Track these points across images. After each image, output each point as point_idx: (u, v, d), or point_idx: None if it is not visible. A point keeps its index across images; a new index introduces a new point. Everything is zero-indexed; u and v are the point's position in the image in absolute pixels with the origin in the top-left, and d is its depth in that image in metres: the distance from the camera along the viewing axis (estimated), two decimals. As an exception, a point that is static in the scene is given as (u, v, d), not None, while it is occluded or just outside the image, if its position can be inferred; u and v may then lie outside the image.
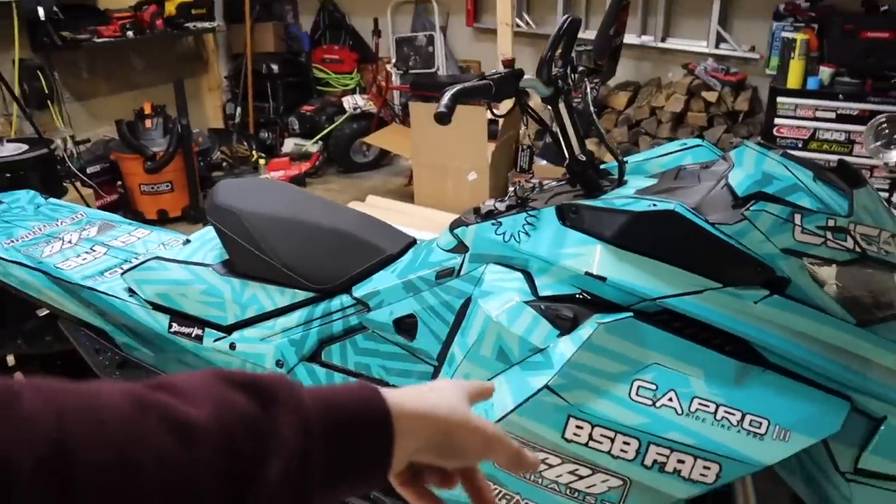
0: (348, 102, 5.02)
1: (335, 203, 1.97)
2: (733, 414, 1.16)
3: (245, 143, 5.19)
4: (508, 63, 1.32)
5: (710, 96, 3.83)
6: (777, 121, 3.58)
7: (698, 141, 1.55)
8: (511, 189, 1.48)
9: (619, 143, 4.03)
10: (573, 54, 1.58)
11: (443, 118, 1.19)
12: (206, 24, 4.83)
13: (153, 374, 2.00)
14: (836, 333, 1.19)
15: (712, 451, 1.14)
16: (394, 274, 1.65)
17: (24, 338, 2.38)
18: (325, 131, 5.13)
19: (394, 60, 4.92)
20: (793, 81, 3.55)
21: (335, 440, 0.48)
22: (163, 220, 4.18)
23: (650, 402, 1.17)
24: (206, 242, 1.98)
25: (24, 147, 3.62)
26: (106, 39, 4.26)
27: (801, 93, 3.54)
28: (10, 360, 2.58)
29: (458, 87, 1.22)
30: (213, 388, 0.45)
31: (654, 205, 1.23)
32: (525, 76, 1.33)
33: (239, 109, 5.38)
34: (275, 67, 5.26)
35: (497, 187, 3.75)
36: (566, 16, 1.44)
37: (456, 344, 1.41)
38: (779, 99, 3.55)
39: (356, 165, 5.22)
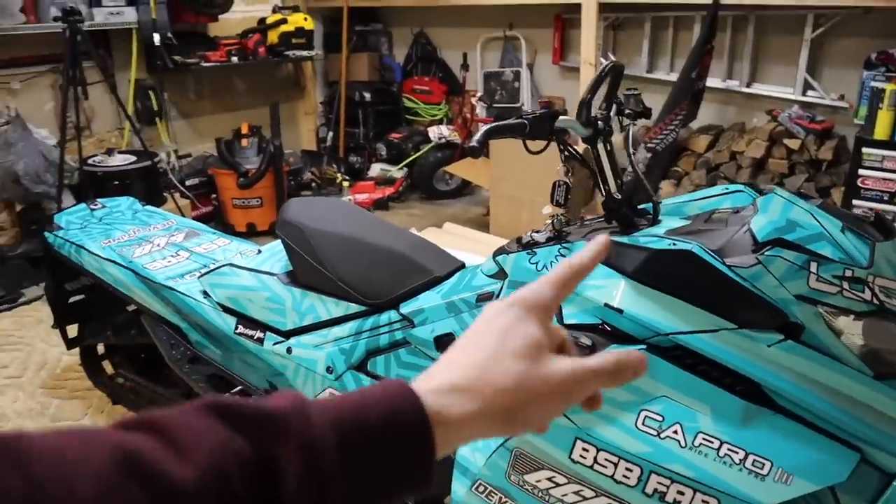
0: (434, 132, 5.20)
1: (393, 225, 2.09)
2: (736, 452, 1.19)
3: (334, 166, 5.44)
4: (545, 104, 1.41)
5: (793, 143, 3.77)
6: (861, 172, 3.48)
7: (740, 186, 1.59)
8: (548, 222, 1.56)
9: (696, 185, 4.01)
10: (621, 97, 1.65)
11: (474, 151, 1.29)
12: (305, 53, 5.12)
13: (220, 371, 2.17)
14: (850, 384, 1.20)
15: (712, 486, 1.18)
16: (438, 294, 1.75)
17: (113, 330, 2.62)
18: (411, 158, 5.32)
19: (480, 94, 5.07)
20: (880, 132, 3.45)
21: (354, 464, 0.44)
22: (251, 233, 4.44)
23: (655, 433, 1.22)
24: (275, 254, 2.15)
25: (132, 158, 3.95)
26: (212, 64, 4.61)
27: (889, 144, 3.44)
28: (101, 349, 2.84)
29: (493, 124, 1.32)
30: (209, 430, 0.42)
31: (674, 244, 1.29)
32: (561, 116, 1.41)
33: (331, 134, 5.65)
34: (367, 95, 5.51)
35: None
36: (609, 61, 1.52)
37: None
38: (864, 150, 3.46)
39: (438, 193, 5.37)
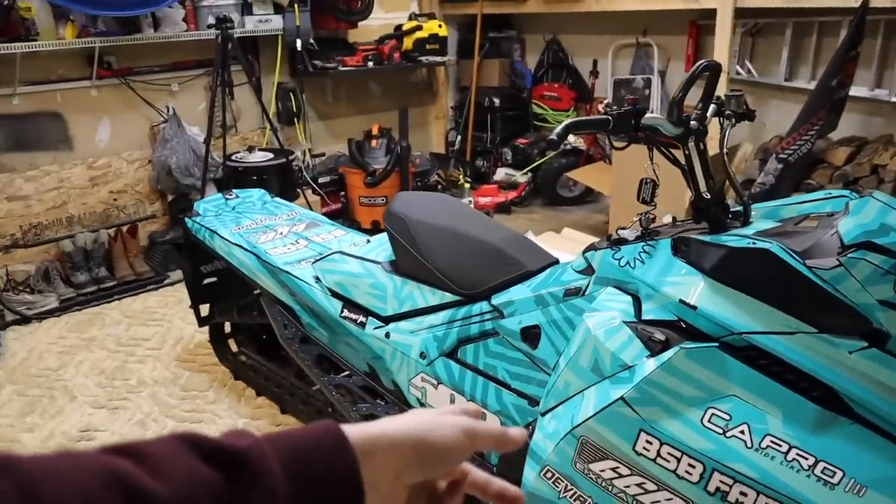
0: (558, 138, 5.20)
1: (492, 220, 2.16)
2: (806, 458, 1.15)
3: (461, 169, 5.57)
4: (632, 101, 1.42)
5: (945, 158, 3.47)
6: None
7: (844, 192, 1.52)
8: (635, 219, 1.57)
9: (834, 200, 3.77)
10: (723, 97, 1.63)
11: (552, 144, 1.33)
12: (438, 59, 5.28)
13: (326, 353, 2.31)
14: (939, 397, 1.14)
15: (776, 490, 1.15)
16: (528, 288, 1.79)
17: (238, 310, 2.84)
18: (535, 164, 5.35)
19: (608, 101, 5.02)
20: None
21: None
22: (375, 230, 4.62)
23: (721, 431, 1.20)
24: (381, 243, 2.27)
25: (270, 155, 4.25)
26: (349, 68, 4.85)
27: None
28: (228, 328, 3.08)
29: (575, 119, 1.35)
30: (181, 458, 0.45)
31: (754, 243, 1.26)
32: (648, 114, 1.42)
33: (459, 137, 5.79)
34: (496, 101, 5.59)
35: (692, 233, 3.69)
36: (703, 61, 1.50)
37: (564, 353, 1.52)
38: None
39: (561, 199, 5.37)
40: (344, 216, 4.79)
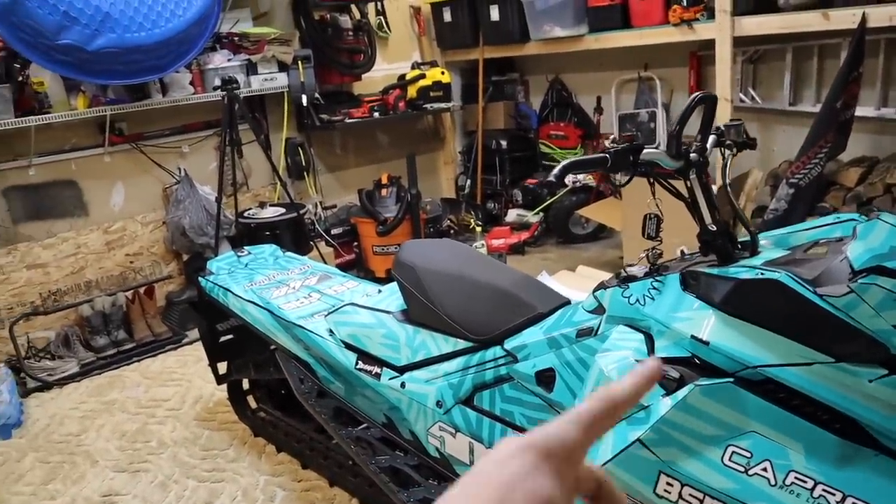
0: (569, 176, 5.21)
1: (500, 263, 2.15)
2: (833, 494, 1.12)
3: (472, 213, 5.59)
4: (629, 138, 1.42)
5: (959, 173, 3.43)
6: None
7: (853, 215, 1.51)
8: (642, 255, 1.56)
9: (849, 221, 3.73)
10: (723, 127, 1.63)
11: (551, 186, 1.33)
12: (443, 105, 5.34)
13: (343, 405, 2.29)
14: (967, 423, 1.11)
15: (804, 527, 1.11)
16: (541, 330, 1.77)
17: (254, 367, 2.84)
18: (546, 203, 5.36)
19: (614, 136, 5.03)
20: None
21: None
22: (390, 278, 4.60)
23: (742, 469, 1.17)
24: (392, 293, 2.27)
25: (282, 210, 4.28)
26: (356, 120, 4.91)
27: None
28: (246, 384, 3.07)
29: (573, 159, 1.35)
30: None
31: (762, 273, 1.25)
32: (646, 149, 1.42)
33: (469, 181, 5.82)
34: (503, 143, 5.63)
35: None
36: (698, 93, 1.50)
37: (579, 395, 1.50)
38: None
39: (575, 237, 5.36)
40: (358, 266, 4.81)
